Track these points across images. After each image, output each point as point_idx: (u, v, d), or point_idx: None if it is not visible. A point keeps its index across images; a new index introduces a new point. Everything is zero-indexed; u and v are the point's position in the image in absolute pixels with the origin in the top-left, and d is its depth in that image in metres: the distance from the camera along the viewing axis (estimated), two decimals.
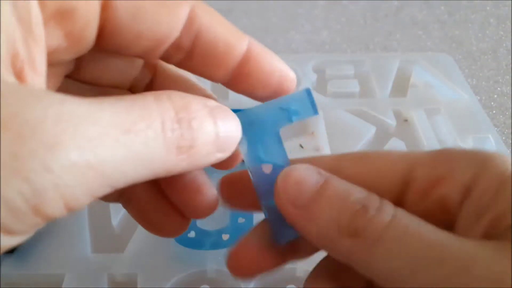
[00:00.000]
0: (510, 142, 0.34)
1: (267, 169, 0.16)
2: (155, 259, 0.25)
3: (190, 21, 0.15)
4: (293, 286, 0.24)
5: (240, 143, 0.16)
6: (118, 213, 0.27)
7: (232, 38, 0.16)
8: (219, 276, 0.24)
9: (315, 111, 0.17)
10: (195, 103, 0.14)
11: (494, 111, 0.37)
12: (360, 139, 0.32)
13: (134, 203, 0.19)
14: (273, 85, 0.17)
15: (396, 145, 0.31)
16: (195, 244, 0.25)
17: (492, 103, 0.38)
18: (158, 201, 0.18)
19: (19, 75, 0.12)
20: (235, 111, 0.16)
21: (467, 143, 0.32)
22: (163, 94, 0.13)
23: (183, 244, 0.25)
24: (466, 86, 0.37)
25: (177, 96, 0.13)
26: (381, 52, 0.44)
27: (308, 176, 0.15)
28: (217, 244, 0.25)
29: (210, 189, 0.18)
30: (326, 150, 0.31)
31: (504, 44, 0.44)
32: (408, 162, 0.16)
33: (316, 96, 0.36)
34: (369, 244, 0.13)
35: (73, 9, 0.13)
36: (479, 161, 0.14)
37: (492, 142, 0.32)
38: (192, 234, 0.25)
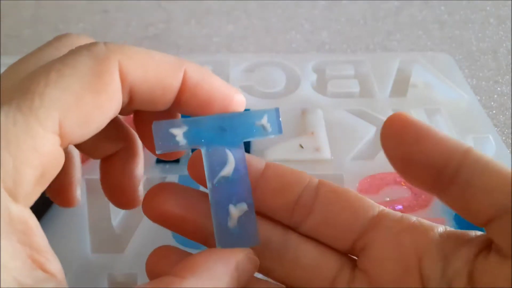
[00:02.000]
0: (510, 142, 0.34)
1: (227, 178, 0.17)
2: None
3: (123, 83, 0.15)
4: None
5: (203, 147, 0.17)
6: (118, 213, 0.27)
7: (167, 79, 0.16)
8: None
9: (280, 130, 0.18)
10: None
11: (494, 111, 0.37)
12: (360, 139, 0.32)
13: None
14: (215, 111, 0.17)
15: None
16: (195, 244, 0.25)
17: (492, 103, 0.38)
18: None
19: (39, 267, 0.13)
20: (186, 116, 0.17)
21: (467, 143, 0.31)
22: None
23: (183, 243, 0.25)
24: (466, 86, 0.37)
25: None
26: (381, 52, 0.44)
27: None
28: None
29: (132, 192, 0.21)
30: (325, 150, 0.31)
31: (504, 44, 0.44)
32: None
33: (316, 96, 0.36)
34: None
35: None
36: None
37: (492, 142, 0.32)
38: None
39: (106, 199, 0.28)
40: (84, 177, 0.29)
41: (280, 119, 0.18)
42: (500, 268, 0.14)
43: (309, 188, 0.18)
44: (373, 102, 0.35)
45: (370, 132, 0.32)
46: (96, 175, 0.29)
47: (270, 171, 0.18)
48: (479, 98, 0.37)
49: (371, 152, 0.31)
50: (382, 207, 0.18)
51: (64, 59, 0.14)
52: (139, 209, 0.28)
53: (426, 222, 0.17)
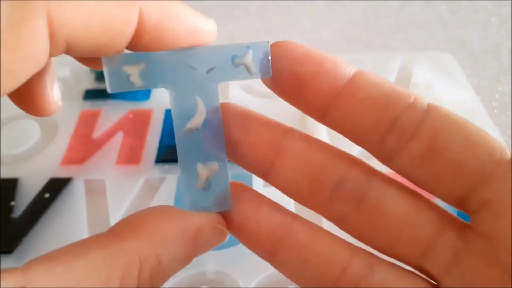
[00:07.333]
0: None
1: (195, 127, 0.15)
2: None
3: (53, 38, 0.12)
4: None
5: (170, 90, 0.14)
6: (116, 214, 0.27)
7: (116, 26, 0.12)
8: (219, 277, 0.24)
9: (268, 72, 0.15)
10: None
11: (495, 111, 0.36)
12: None
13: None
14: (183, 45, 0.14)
15: None
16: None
17: (493, 102, 0.37)
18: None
19: None
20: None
21: None
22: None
23: None
24: (467, 85, 0.37)
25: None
26: (382, 52, 0.43)
27: None
28: None
29: (47, 96, 0.15)
30: None
31: (505, 44, 0.44)
32: None
33: None
34: None
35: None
36: None
37: None
38: None
39: (105, 199, 0.28)
40: (83, 177, 0.29)
41: (270, 57, 0.15)
42: None
43: (413, 108, 0.14)
44: None
45: None
46: (95, 175, 0.29)
47: (362, 79, 0.14)
48: (480, 97, 0.37)
49: None
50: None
51: None
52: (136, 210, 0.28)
53: None
